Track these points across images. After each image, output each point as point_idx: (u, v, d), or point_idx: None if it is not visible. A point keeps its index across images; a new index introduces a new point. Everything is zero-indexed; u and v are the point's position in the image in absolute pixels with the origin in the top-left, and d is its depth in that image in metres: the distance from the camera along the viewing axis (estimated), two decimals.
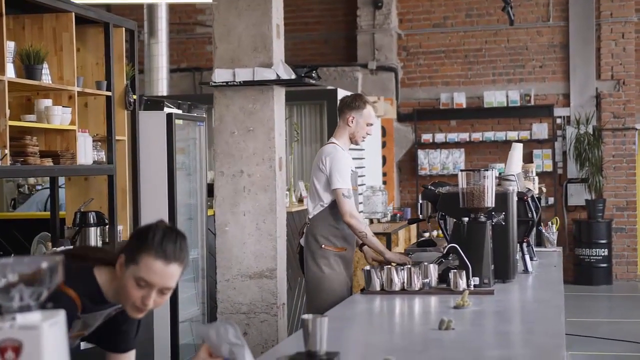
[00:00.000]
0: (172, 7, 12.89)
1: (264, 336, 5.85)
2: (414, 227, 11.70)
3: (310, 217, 5.41)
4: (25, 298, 1.79)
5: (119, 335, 2.94)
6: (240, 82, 5.85)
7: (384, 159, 12.74)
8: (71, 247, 5.04)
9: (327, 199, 5.29)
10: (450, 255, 4.54)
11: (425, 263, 4.49)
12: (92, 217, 5.55)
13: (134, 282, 2.62)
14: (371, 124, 5.45)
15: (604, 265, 12.61)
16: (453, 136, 13.19)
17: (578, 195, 12.92)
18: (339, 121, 5.50)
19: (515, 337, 3.42)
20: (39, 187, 9.10)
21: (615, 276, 12.83)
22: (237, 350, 2.63)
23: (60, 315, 1.82)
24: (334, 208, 5.28)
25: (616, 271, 12.86)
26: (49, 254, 3.45)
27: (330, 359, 2.79)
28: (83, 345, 4.62)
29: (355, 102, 5.42)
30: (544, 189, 10.93)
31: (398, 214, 11.37)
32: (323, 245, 5.30)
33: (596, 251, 12.57)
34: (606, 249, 12.59)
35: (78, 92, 5.39)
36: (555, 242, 6.66)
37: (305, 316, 2.78)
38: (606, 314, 10.99)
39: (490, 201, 4.51)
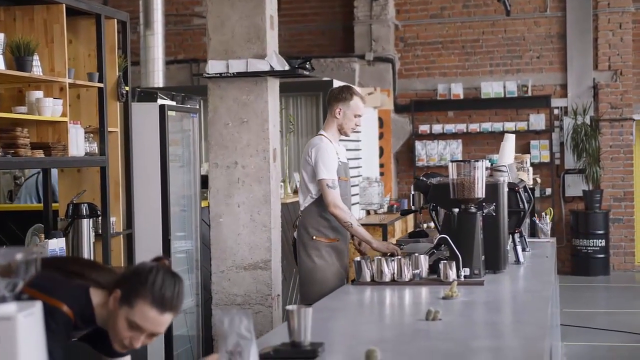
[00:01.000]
0: None
1: (258, 327, 5.86)
2: (410, 218, 11.71)
3: (301, 209, 5.44)
4: (0, 289, 1.79)
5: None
6: (233, 73, 5.84)
7: (382, 150, 12.74)
8: (67, 257, 4.97)
9: (315, 190, 5.31)
10: (442, 246, 4.54)
11: (416, 254, 4.49)
12: (84, 209, 5.55)
13: (125, 323, 2.64)
14: (359, 115, 5.44)
15: (602, 256, 12.61)
16: (450, 127, 13.19)
17: (575, 186, 12.92)
18: (328, 113, 5.51)
19: (500, 327, 3.42)
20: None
21: (612, 267, 12.84)
22: (244, 344, 2.64)
23: (36, 307, 1.83)
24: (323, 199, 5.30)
25: (613, 262, 12.87)
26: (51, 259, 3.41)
27: (314, 349, 2.80)
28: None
29: (342, 93, 5.42)
30: (539, 180, 10.92)
31: (395, 205, 11.37)
32: (314, 237, 5.32)
33: (593, 242, 12.57)
34: (603, 240, 12.59)
35: (70, 83, 5.38)
36: (549, 233, 6.66)
37: (290, 307, 2.79)
38: (603, 304, 11.00)
39: (480, 192, 4.51)
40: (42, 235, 5.58)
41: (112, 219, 5.88)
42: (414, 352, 2.94)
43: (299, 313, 2.78)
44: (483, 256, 4.49)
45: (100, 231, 5.75)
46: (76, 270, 2.80)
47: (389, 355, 2.74)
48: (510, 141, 5.69)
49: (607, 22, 12.90)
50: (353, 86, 5.68)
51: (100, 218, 5.72)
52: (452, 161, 4.60)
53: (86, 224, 5.55)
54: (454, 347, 3.01)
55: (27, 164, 5.44)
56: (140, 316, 2.62)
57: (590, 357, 7.88)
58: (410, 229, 11.32)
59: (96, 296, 2.72)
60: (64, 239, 5.35)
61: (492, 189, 4.66)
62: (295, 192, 8.32)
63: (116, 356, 2.92)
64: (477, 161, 4.53)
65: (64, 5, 5.33)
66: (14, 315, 1.76)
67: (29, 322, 1.79)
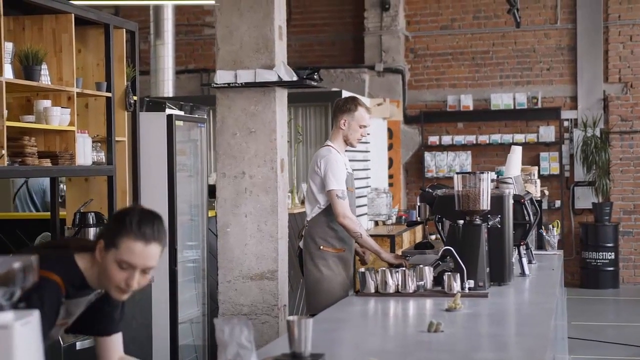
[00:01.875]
0: (180, 9, 12.93)
1: (265, 338, 5.85)
2: (419, 229, 11.68)
3: (308, 219, 5.47)
4: None
5: (104, 318, 3.00)
6: (242, 83, 5.86)
7: (391, 161, 12.74)
8: (50, 240, 5.08)
9: (323, 201, 5.33)
10: (447, 257, 4.53)
11: (421, 265, 4.49)
12: (91, 218, 5.57)
13: (116, 265, 2.72)
14: (364, 126, 5.48)
15: (611, 268, 12.57)
16: (460, 138, 13.18)
17: (585, 199, 12.88)
18: (333, 124, 5.57)
19: (501, 339, 3.41)
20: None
21: (622, 280, 12.79)
22: (244, 354, 2.64)
23: (34, 315, 1.84)
24: (331, 210, 5.31)
25: (623, 275, 12.82)
26: (31, 247, 3.50)
27: None
28: (79, 345, 4.66)
29: (347, 104, 5.47)
30: (547, 192, 10.89)
31: (404, 216, 11.36)
32: (321, 247, 5.35)
33: (603, 254, 12.53)
34: (613, 253, 12.55)
35: (78, 93, 5.41)
36: (556, 245, 6.64)
37: (290, 318, 2.80)
38: (612, 317, 10.96)
39: (485, 204, 4.50)
40: None
41: None
42: None
43: (299, 324, 2.78)
44: (488, 268, 4.48)
45: None
46: (60, 244, 2.93)
47: None
48: (516, 153, 5.68)
49: (618, 34, 12.88)
50: (358, 97, 5.71)
51: None
52: (457, 173, 4.59)
53: (93, 233, 5.56)
54: (454, 359, 3.00)
55: (34, 172, 5.46)
56: (128, 252, 2.71)
57: None
58: (419, 240, 11.30)
59: (82, 260, 2.80)
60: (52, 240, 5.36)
61: (498, 201, 4.65)
62: (304, 202, 8.33)
63: (107, 333, 3.00)
64: (483, 173, 4.53)
65: (73, 15, 5.36)
66: (11, 324, 1.77)
67: (26, 330, 1.80)
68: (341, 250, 5.38)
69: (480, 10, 13.32)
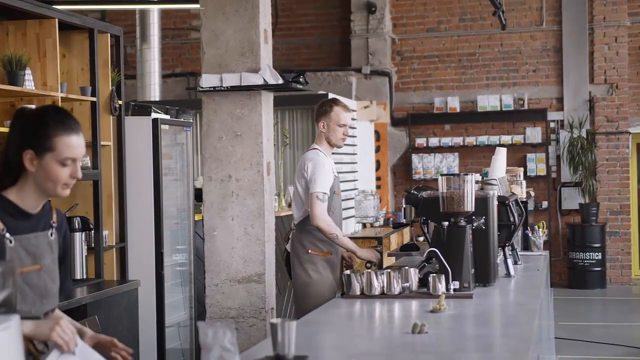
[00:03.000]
0: (166, 13, 12.92)
1: (252, 340, 5.86)
2: (407, 231, 11.71)
3: (295, 222, 5.49)
4: None
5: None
6: (227, 87, 5.86)
7: (378, 163, 12.76)
8: None
9: None
10: (432, 259, 4.54)
11: (406, 267, 4.50)
12: (77, 222, 5.56)
13: (58, 165, 2.75)
14: (344, 125, 5.53)
15: (598, 269, 12.61)
16: (447, 140, 13.21)
17: (572, 199, 12.93)
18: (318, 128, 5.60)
19: (485, 340, 3.42)
20: None
21: (609, 280, 12.84)
22: (227, 356, 2.65)
23: (14, 320, 1.84)
24: None
25: (610, 275, 12.87)
26: None
27: None
28: None
29: (322, 107, 5.57)
30: (532, 193, 10.93)
31: (391, 218, 11.37)
32: (310, 251, 5.37)
33: (590, 255, 12.57)
34: (600, 253, 12.60)
35: (62, 97, 5.41)
36: (542, 246, 6.67)
37: (273, 320, 2.81)
38: (600, 317, 11.00)
39: (470, 205, 4.51)
40: None
41: (105, 233, 5.90)
42: None
43: (282, 326, 2.79)
44: (473, 269, 4.50)
45: (93, 245, 5.76)
46: None
47: None
48: (501, 154, 5.70)
49: (603, 35, 12.94)
50: (337, 97, 5.77)
51: (92, 231, 5.73)
52: (442, 175, 4.61)
53: (78, 238, 5.56)
54: None
55: None
56: (67, 149, 2.76)
57: None
58: (407, 242, 11.31)
59: (9, 193, 2.79)
60: None
61: (482, 202, 4.67)
62: (290, 205, 8.33)
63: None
64: (467, 174, 4.54)
65: (57, 20, 5.36)
66: None
67: (5, 336, 1.80)
68: (328, 254, 5.40)
69: (466, 12, 13.36)
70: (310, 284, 5.30)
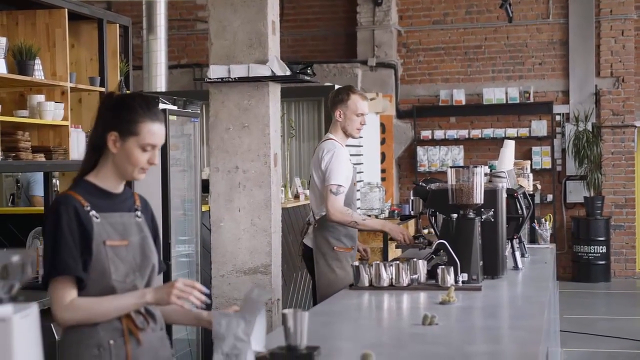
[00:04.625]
0: (172, 4, 12.92)
1: None
2: (412, 223, 11.71)
3: (317, 217, 5.34)
4: None
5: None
6: (235, 78, 5.86)
7: (383, 155, 12.76)
8: None
9: None
10: (440, 251, 4.54)
11: (415, 259, 4.50)
12: None
13: (139, 149, 2.87)
14: (361, 114, 5.39)
15: (603, 262, 12.62)
16: (452, 133, 13.21)
17: (577, 193, 12.93)
18: (332, 117, 5.50)
19: (497, 332, 3.43)
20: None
21: (613, 273, 12.85)
22: (241, 346, 2.67)
23: (32, 308, 1.85)
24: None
25: (614, 268, 12.88)
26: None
27: (310, 353, 2.81)
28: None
29: (339, 95, 5.40)
30: (539, 186, 10.93)
31: (397, 211, 11.37)
32: (335, 247, 5.27)
33: (594, 248, 12.58)
34: (604, 246, 12.60)
35: (71, 87, 5.41)
36: (549, 239, 6.67)
37: (286, 311, 2.81)
38: (604, 311, 11.01)
39: (479, 198, 4.51)
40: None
41: None
42: (409, 357, 2.96)
43: (295, 317, 2.79)
44: (481, 262, 4.50)
45: None
46: None
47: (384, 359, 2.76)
48: (509, 147, 5.70)
49: (610, 29, 12.92)
50: (352, 86, 5.65)
51: None
52: (451, 167, 4.60)
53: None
54: (449, 352, 3.02)
55: (28, 167, 5.47)
56: (150, 135, 2.87)
57: None
58: (412, 234, 11.31)
59: (91, 177, 2.92)
60: None
61: (491, 194, 4.67)
62: (297, 197, 8.35)
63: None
64: (476, 167, 4.54)
65: (66, 10, 5.36)
66: (9, 317, 1.78)
67: (25, 323, 1.81)
68: (351, 249, 5.34)
69: (473, 5, 13.34)
70: (336, 281, 5.21)
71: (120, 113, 2.89)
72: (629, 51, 12.88)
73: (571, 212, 13.06)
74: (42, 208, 5.95)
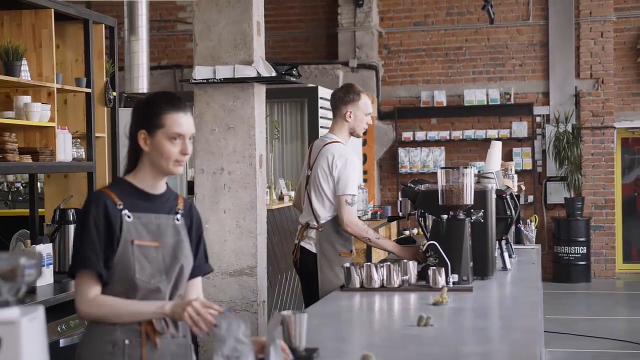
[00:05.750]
0: (152, 4, 12.84)
1: None
2: (394, 224, 11.74)
3: (321, 221, 5.13)
4: (3, 293, 1.79)
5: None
6: (220, 79, 5.84)
7: (365, 156, 12.77)
8: None
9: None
10: (428, 252, 4.54)
11: (405, 260, 4.50)
12: (71, 214, 5.52)
13: (168, 141, 2.91)
14: (369, 113, 5.25)
15: (583, 262, 12.70)
16: (433, 134, 13.24)
17: (557, 194, 13.00)
18: (335, 117, 5.32)
19: (492, 333, 3.44)
20: (17, 185, 9.06)
21: (593, 274, 12.92)
22: (241, 349, 2.66)
23: (39, 311, 1.82)
24: None
25: (594, 269, 12.96)
26: None
27: (309, 355, 2.81)
28: (62, 342, 4.62)
29: (349, 94, 5.18)
30: (523, 187, 10.98)
31: (379, 212, 11.40)
32: (341, 254, 5.12)
33: (575, 249, 12.65)
34: (585, 247, 12.67)
35: (57, 88, 5.37)
36: (534, 239, 6.70)
37: (285, 312, 2.80)
38: (585, 311, 11.07)
39: (469, 199, 4.52)
40: (28, 241, 5.54)
41: None
42: (407, 357, 2.95)
43: (294, 319, 2.78)
44: (471, 262, 4.51)
45: None
46: None
47: None
48: (497, 148, 5.71)
49: (589, 30, 13.00)
50: (353, 84, 5.42)
51: None
52: (441, 168, 4.61)
53: (72, 230, 5.52)
54: (446, 353, 3.02)
55: (15, 169, 5.42)
56: (175, 125, 2.91)
57: None
58: (394, 235, 11.35)
59: (129, 177, 2.99)
60: (51, 244, 5.31)
61: (481, 195, 4.68)
62: (281, 198, 8.33)
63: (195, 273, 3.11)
64: (466, 168, 4.55)
65: (53, 10, 5.32)
66: (17, 320, 1.75)
67: (32, 326, 1.78)
68: (351, 253, 5.25)
69: (453, 6, 13.38)
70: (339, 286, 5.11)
71: (144, 111, 2.96)
72: (608, 53, 12.97)
73: (551, 213, 13.13)
74: (27, 210, 5.90)
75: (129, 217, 2.91)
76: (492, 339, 3.31)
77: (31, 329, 1.78)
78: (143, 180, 2.98)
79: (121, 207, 2.90)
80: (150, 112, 2.94)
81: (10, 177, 8.88)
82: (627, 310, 11.02)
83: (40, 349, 1.81)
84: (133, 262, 2.88)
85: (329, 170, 5.08)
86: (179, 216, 3.04)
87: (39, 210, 5.88)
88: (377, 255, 9.13)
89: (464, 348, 3.11)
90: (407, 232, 12.45)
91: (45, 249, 5.07)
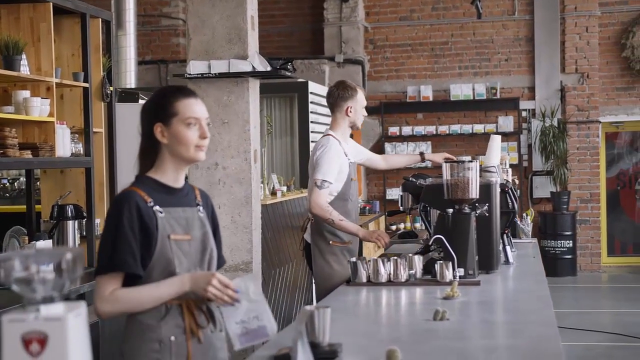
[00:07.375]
0: None
1: None
2: (382, 219, 11.74)
3: (314, 212, 5.25)
4: (48, 289, 1.76)
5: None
6: (215, 74, 5.81)
7: None
8: None
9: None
10: (431, 246, 4.53)
11: (410, 254, 4.49)
12: (69, 210, 5.48)
13: (184, 127, 2.91)
14: (365, 105, 5.54)
15: (569, 256, 12.76)
16: (420, 129, 13.24)
17: (543, 188, 13.05)
18: (334, 114, 5.45)
19: (509, 326, 3.43)
20: (4, 181, 8.97)
21: (579, 267, 12.99)
22: (257, 307, 2.65)
23: (82, 307, 1.80)
24: (338, 202, 5.23)
25: (580, 262, 13.02)
26: None
27: (334, 350, 2.79)
28: None
29: (347, 91, 5.42)
30: (517, 181, 11.02)
31: (367, 207, 11.40)
32: (331, 242, 5.27)
33: (561, 243, 12.71)
34: (571, 241, 12.73)
35: (57, 83, 5.32)
36: (530, 233, 6.71)
37: (309, 307, 2.78)
38: (571, 304, 11.11)
39: (474, 192, 4.52)
40: (25, 238, 5.49)
41: (97, 221, 5.82)
42: (431, 352, 2.94)
43: (318, 313, 2.76)
44: (477, 256, 4.50)
45: (85, 233, 5.68)
46: None
47: (407, 355, 2.73)
48: (496, 142, 5.71)
49: (574, 25, 13.05)
50: (347, 80, 5.65)
51: (85, 220, 5.64)
52: (446, 161, 4.60)
53: (71, 226, 5.48)
54: (469, 346, 3.01)
55: (15, 164, 5.36)
56: (188, 110, 2.91)
57: (572, 357, 7.95)
58: (384, 229, 11.33)
59: (152, 173, 2.96)
60: (51, 241, 5.27)
61: (485, 189, 4.68)
62: (274, 193, 8.31)
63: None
64: (471, 161, 4.55)
65: (51, 4, 5.26)
66: (64, 316, 1.74)
67: (77, 322, 1.76)
68: (349, 243, 5.32)
69: (439, 1, 13.38)
70: (332, 275, 5.20)
71: (156, 105, 2.97)
72: (593, 47, 13.03)
73: (537, 207, 13.18)
74: (24, 207, 5.84)
75: (160, 212, 2.89)
76: (511, 332, 3.30)
77: (76, 325, 1.76)
78: (165, 174, 2.96)
79: (152, 204, 2.89)
80: (161, 103, 2.95)
81: (13, 172, 8.77)
82: (613, 303, 11.07)
83: (84, 345, 1.79)
84: (172, 257, 2.87)
85: (312, 159, 5.29)
86: (201, 208, 3.04)
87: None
88: (367, 248, 9.12)
89: (485, 342, 3.10)
90: (393, 227, 12.47)
91: (46, 244, 5.02)
